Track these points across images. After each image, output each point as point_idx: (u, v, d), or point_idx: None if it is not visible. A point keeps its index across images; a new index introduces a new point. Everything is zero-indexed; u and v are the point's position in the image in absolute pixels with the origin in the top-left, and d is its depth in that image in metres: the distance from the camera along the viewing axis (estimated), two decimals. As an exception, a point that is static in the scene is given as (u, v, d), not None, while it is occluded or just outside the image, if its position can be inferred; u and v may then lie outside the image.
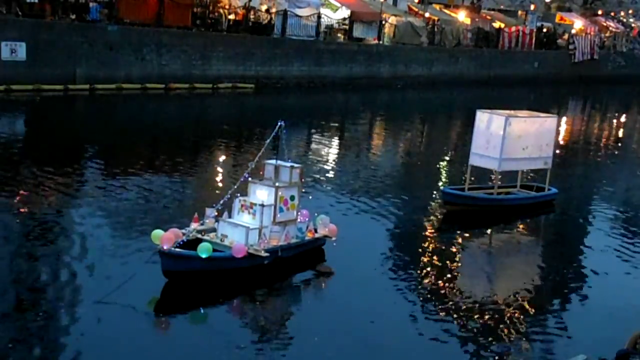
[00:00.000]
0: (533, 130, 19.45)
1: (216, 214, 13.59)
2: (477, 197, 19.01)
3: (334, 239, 14.49)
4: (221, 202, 13.33)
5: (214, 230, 13.46)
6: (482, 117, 19.22)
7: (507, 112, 19.78)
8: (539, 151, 19.69)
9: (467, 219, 18.02)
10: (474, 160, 19.44)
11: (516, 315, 12.64)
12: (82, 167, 20.53)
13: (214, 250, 12.64)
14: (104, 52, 33.22)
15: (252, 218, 13.42)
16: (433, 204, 19.32)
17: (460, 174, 21.88)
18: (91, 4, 34.32)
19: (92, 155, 22.16)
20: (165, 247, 12.19)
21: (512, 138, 18.89)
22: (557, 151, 30.03)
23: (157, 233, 12.59)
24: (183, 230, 12.96)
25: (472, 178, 19.51)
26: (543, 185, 20.44)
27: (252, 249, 12.84)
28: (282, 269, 13.25)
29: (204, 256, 12.26)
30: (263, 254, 12.81)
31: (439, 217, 18.37)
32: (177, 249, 12.33)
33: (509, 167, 19.48)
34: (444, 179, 22.73)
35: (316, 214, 14.73)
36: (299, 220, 13.96)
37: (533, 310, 12.96)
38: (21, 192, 16.95)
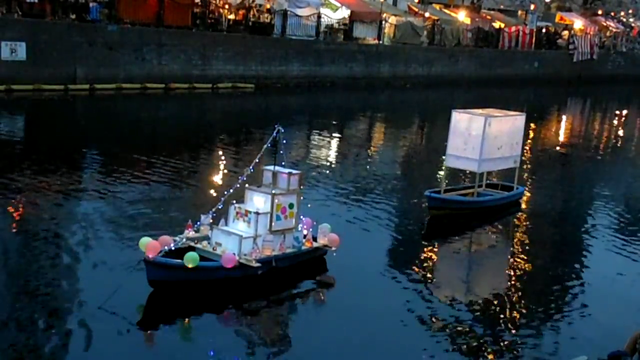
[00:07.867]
0: (506, 129, 18.90)
1: (211, 221, 13.21)
2: (462, 200, 18.74)
3: (334, 248, 13.91)
4: (214, 209, 13.07)
5: (208, 238, 13.05)
6: (459, 117, 18.46)
7: (481, 111, 19.24)
8: (511, 150, 19.15)
9: (464, 222, 17.89)
10: (450, 162, 18.87)
11: (517, 316, 12.68)
12: (79, 168, 20.66)
13: (206, 259, 12.33)
14: (104, 52, 33.36)
15: (247, 226, 12.90)
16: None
17: (457, 176, 21.85)
18: (91, 4, 34.51)
19: (90, 156, 22.23)
20: (150, 256, 11.79)
21: (490, 138, 18.26)
22: (555, 149, 30.35)
23: (144, 240, 12.19)
24: (175, 238, 12.60)
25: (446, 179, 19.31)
26: (508, 184, 19.96)
27: (244, 258, 12.38)
28: (277, 279, 12.83)
29: (189, 266, 11.83)
30: (254, 264, 12.37)
31: (438, 221, 17.97)
32: (162, 258, 11.90)
33: (487, 167, 19.02)
34: (441, 181, 22.73)
35: (315, 222, 14.18)
36: (298, 229, 13.48)
37: (533, 311, 13.00)
38: (18, 193, 17.04)
